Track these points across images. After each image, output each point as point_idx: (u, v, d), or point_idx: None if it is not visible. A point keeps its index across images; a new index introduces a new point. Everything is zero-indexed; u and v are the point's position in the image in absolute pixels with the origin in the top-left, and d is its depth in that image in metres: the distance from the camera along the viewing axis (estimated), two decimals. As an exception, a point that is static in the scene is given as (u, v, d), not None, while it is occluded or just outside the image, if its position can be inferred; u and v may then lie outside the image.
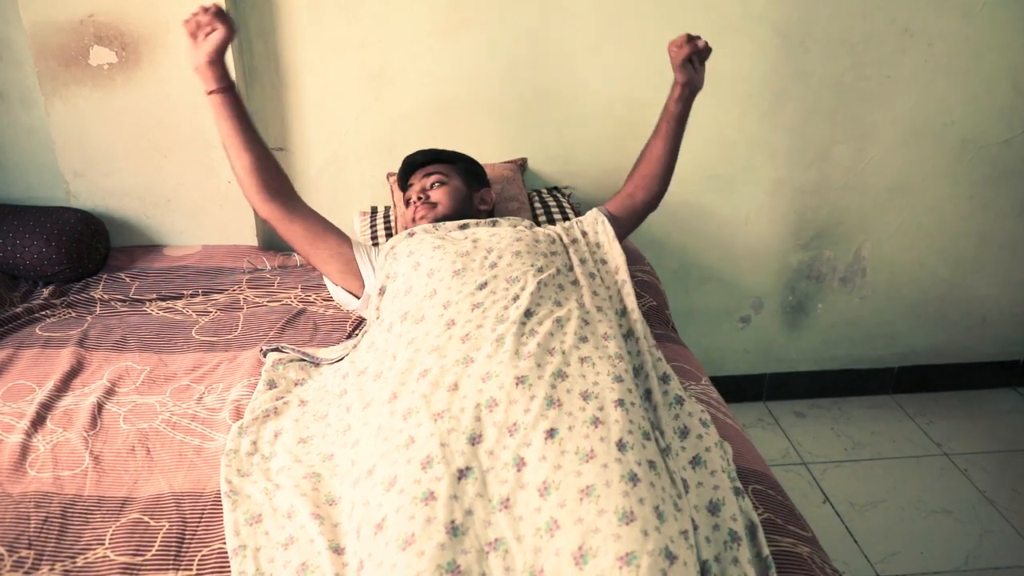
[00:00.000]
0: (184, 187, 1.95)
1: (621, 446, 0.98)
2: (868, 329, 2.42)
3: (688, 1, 1.95)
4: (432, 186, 1.65)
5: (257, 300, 1.76)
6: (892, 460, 2.22)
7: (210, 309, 1.73)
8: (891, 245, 2.30)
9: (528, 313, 1.22)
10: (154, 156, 1.91)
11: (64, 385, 1.44)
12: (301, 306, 1.73)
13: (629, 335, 1.32)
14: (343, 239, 1.56)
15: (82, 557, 1.04)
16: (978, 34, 2.04)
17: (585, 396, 1.06)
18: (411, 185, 1.71)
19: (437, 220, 1.60)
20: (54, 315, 1.70)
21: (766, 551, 1.00)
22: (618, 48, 1.99)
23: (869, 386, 2.52)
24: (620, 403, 1.05)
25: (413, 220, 1.64)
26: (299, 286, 1.83)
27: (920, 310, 2.41)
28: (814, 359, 2.46)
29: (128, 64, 1.83)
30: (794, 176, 2.18)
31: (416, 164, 1.74)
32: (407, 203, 1.69)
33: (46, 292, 1.80)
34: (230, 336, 1.62)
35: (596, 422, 1.01)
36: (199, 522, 1.10)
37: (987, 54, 2.07)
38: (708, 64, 2.08)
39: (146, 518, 1.11)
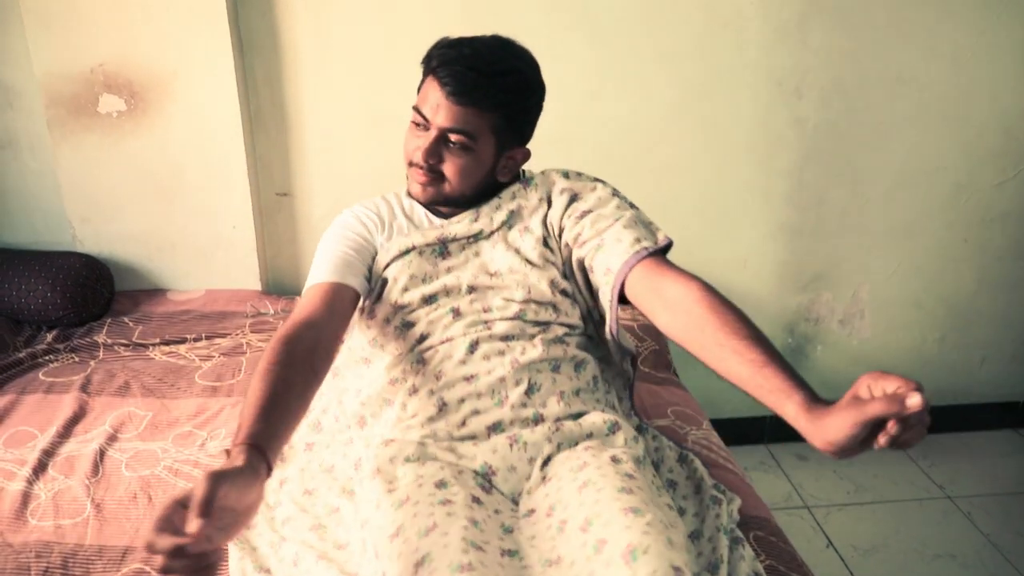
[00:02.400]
0: (189, 232, 1.97)
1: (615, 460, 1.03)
2: (868, 370, 2.41)
3: (685, 50, 2.00)
4: (451, 146, 1.17)
5: (260, 344, 1.77)
6: (895, 503, 2.21)
7: (213, 353, 1.74)
8: (889, 287, 2.32)
9: (528, 391, 1.13)
10: (160, 201, 1.94)
11: (66, 431, 1.44)
12: (303, 350, 1.74)
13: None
14: (350, 291, 1.19)
15: (83, 608, 1.04)
16: (968, 81, 2.09)
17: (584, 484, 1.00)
18: (435, 108, 1.15)
19: (437, 200, 1.24)
20: (57, 360, 1.71)
21: (770, 601, 0.99)
22: (617, 95, 2.02)
23: (870, 428, 2.51)
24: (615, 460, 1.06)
25: (410, 165, 1.22)
26: (301, 330, 1.83)
27: (919, 352, 2.42)
28: (814, 401, 2.46)
29: (136, 112, 1.86)
30: (791, 220, 2.21)
31: (449, 83, 1.13)
32: (418, 124, 1.19)
33: (49, 337, 1.81)
34: (233, 381, 1.63)
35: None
36: (201, 572, 1.10)
37: (977, 101, 2.11)
38: (705, 111, 2.13)
39: (148, 568, 1.11)
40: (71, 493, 1.27)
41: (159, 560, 0.72)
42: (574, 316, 1.21)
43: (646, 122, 2.06)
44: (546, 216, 1.24)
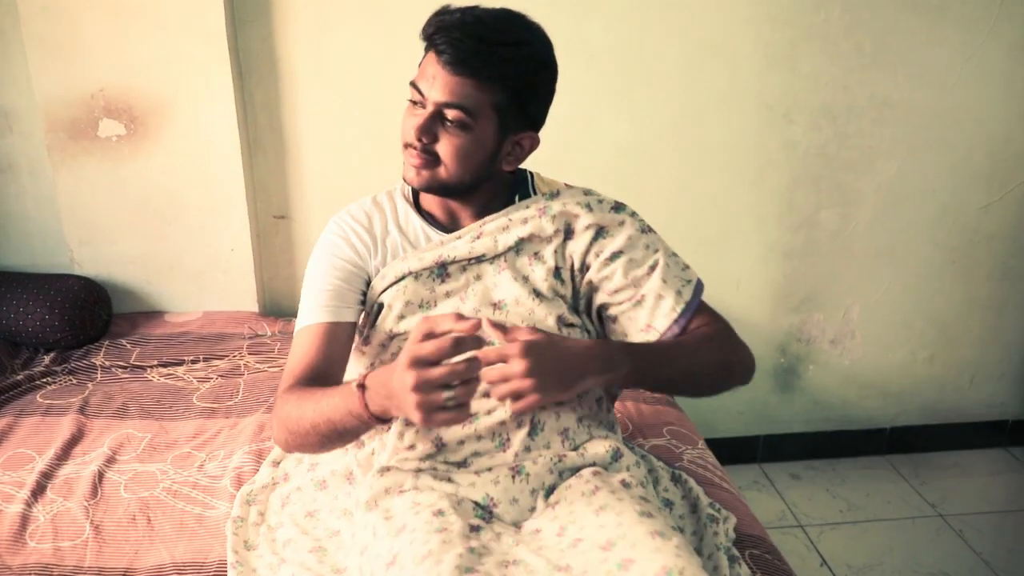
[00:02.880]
0: (187, 254, 1.99)
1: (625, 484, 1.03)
2: (859, 390, 2.45)
3: (677, 76, 2.04)
4: (447, 123, 1.05)
5: (258, 366, 1.78)
6: (888, 522, 2.22)
7: (211, 375, 1.75)
8: (879, 308, 2.35)
9: (531, 432, 1.10)
10: (158, 224, 1.95)
11: (65, 453, 1.45)
12: (301, 372, 1.75)
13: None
14: (346, 326, 1.15)
15: (84, 631, 1.04)
16: (953, 107, 2.13)
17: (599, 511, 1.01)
18: (431, 80, 1.04)
19: (433, 186, 1.11)
20: (55, 382, 1.71)
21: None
22: (611, 119, 2.06)
23: (862, 447, 2.53)
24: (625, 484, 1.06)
25: (405, 147, 1.10)
26: (299, 351, 1.85)
27: (909, 371, 2.45)
28: (807, 420, 2.48)
29: (136, 136, 1.88)
30: (782, 241, 2.24)
31: (446, 51, 1.02)
32: (415, 102, 1.07)
33: (47, 359, 1.81)
34: (231, 402, 1.64)
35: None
36: (202, 593, 1.11)
37: (963, 125, 2.16)
38: (698, 135, 2.17)
39: (149, 590, 1.11)
40: (70, 515, 1.28)
41: (434, 398, 0.85)
42: None
43: (640, 145, 2.09)
44: (562, 246, 1.16)
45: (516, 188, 1.21)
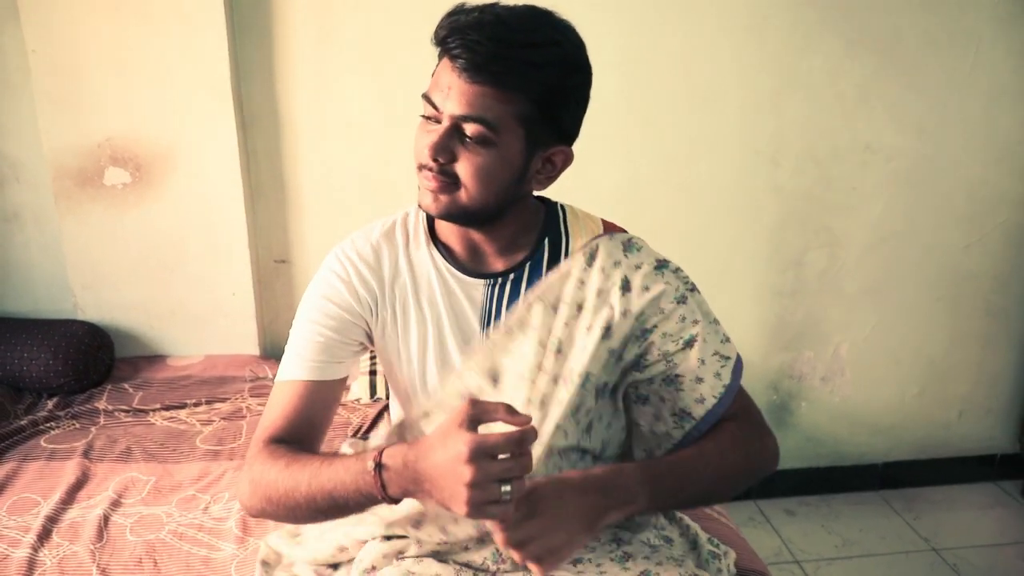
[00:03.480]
0: (189, 299, 2.02)
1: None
2: (851, 426, 2.49)
3: (667, 123, 2.11)
4: (466, 140, 0.91)
5: (260, 408, 1.80)
6: (883, 557, 2.24)
7: (213, 418, 1.77)
8: (867, 345, 2.40)
9: None
10: (161, 270, 1.99)
11: (70, 497, 1.46)
12: (303, 414, 1.77)
13: None
14: (332, 384, 1.07)
15: (96, 674, 1.05)
16: (933, 151, 2.21)
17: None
18: (446, 90, 0.91)
19: (453, 213, 0.97)
20: (59, 427, 1.73)
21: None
22: (605, 164, 2.12)
23: (855, 482, 2.56)
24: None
25: (419, 168, 0.96)
26: (300, 394, 1.87)
27: (899, 407, 2.49)
28: (800, 456, 2.51)
29: (141, 184, 1.93)
30: (772, 280, 2.29)
31: (462, 56, 0.88)
32: (429, 116, 0.94)
33: (50, 404, 1.83)
34: (234, 445, 1.66)
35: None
36: (211, 635, 1.12)
37: (942, 169, 2.23)
38: (688, 178, 2.23)
39: (158, 632, 1.13)
40: (76, 559, 1.29)
41: (491, 494, 0.76)
42: (596, 442, 1.05)
43: (633, 189, 2.15)
44: (608, 325, 1.00)
45: (546, 222, 1.09)
